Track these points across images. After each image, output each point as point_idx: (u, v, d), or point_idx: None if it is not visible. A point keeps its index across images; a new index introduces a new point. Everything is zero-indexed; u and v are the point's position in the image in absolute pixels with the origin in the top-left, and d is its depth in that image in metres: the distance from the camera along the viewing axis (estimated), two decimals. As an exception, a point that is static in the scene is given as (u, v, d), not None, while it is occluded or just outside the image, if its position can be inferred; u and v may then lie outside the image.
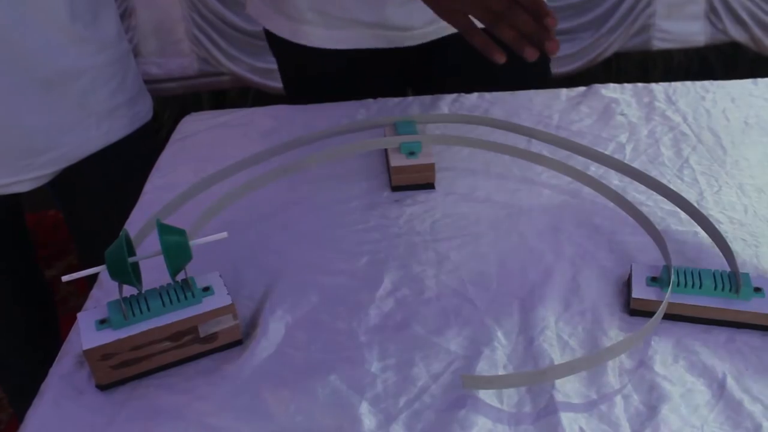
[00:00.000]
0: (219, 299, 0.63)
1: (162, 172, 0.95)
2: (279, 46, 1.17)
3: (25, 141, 1.04)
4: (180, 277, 0.63)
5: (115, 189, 1.15)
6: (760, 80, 1.07)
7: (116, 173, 1.14)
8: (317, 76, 1.16)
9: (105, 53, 1.08)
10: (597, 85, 1.07)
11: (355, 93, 1.07)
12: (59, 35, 1.00)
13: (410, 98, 1.05)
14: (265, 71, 2.76)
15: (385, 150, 0.89)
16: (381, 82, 1.13)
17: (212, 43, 2.73)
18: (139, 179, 1.19)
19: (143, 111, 1.18)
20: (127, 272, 0.58)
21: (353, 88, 1.09)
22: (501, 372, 0.60)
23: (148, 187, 0.92)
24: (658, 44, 2.75)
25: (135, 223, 0.84)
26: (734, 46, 2.81)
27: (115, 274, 0.59)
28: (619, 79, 1.79)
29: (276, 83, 2.75)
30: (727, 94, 1.03)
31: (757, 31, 2.74)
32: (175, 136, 1.04)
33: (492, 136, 0.92)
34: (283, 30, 1.14)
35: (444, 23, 0.89)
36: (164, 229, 0.59)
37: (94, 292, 0.73)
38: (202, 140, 1.01)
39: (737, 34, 2.75)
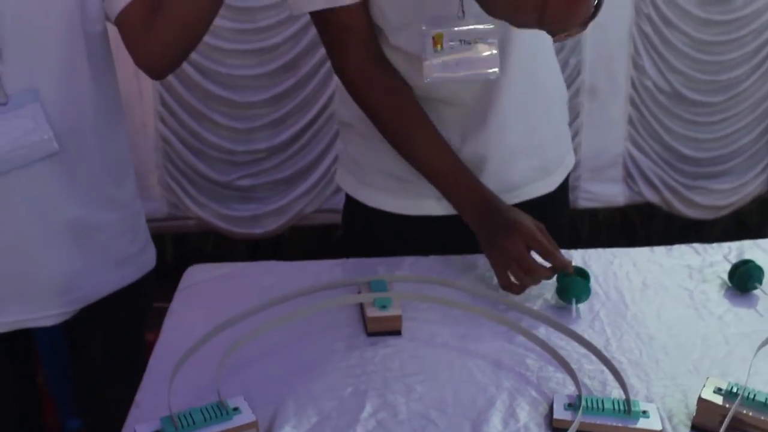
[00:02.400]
0: (245, 416, 0.84)
1: (174, 320, 1.15)
2: (355, 209, 1.39)
3: (54, 281, 1.23)
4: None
5: (125, 328, 1.34)
6: (656, 248, 1.34)
7: (126, 313, 1.34)
8: (382, 236, 1.37)
9: (125, 210, 1.31)
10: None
11: (405, 250, 1.29)
12: (93, 194, 1.23)
13: (379, 259, 1.29)
14: (228, 217, 3.00)
15: (361, 303, 1.12)
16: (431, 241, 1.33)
17: (182, 190, 2.97)
18: (144, 320, 1.39)
19: (150, 259, 1.39)
20: None
21: (408, 247, 1.30)
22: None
23: (165, 332, 1.12)
24: (583, 203, 3.11)
25: (157, 367, 1.03)
26: (650, 206, 3.18)
27: None
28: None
29: (237, 228, 2.98)
30: (630, 260, 1.30)
31: (667, 194, 3.13)
32: (182, 284, 1.25)
33: (446, 293, 1.16)
34: (367, 198, 1.36)
35: None
36: None
37: (134, 411, 0.93)
38: (207, 289, 1.22)
39: (651, 196, 3.14)
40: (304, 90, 2.86)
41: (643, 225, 3.26)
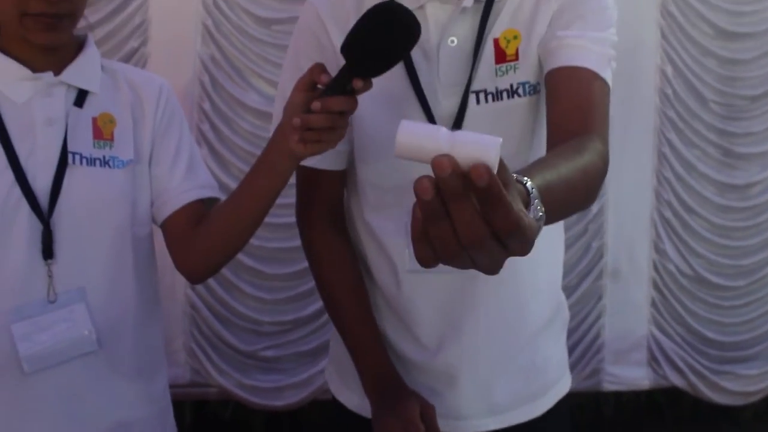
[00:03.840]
0: None
1: None
2: (342, 413, 1.33)
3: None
4: None
5: None
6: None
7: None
8: None
9: (156, 405, 1.32)
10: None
11: None
12: (126, 391, 1.25)
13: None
14: (250, 387, 2.99)
15: None
16: None
17: (207, 357, 2.99)
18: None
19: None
20: None
21: None
22: None
23: None
24: (607, 386, 3.07)
25: None
26: (677, 389, 3.14)
27: None
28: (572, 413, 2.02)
29: (258, 399, 2.97)
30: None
31: (694, 379, 3.09)
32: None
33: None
34: (350, 402, 1.31)
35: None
36: None
37: None
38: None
39: (677, 380, 3.10)
40: (331, 264, 2.93)
41: (670, 408, 3.21)
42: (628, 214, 2.97)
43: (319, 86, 1.00)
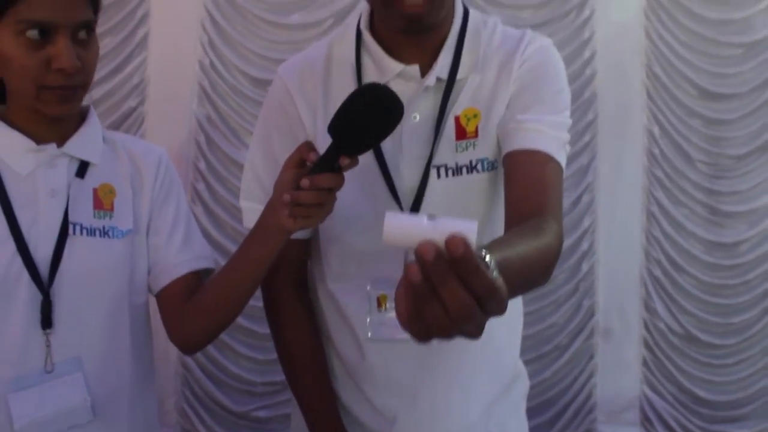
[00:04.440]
0: None
1: None
2: None
3: None
4: None
5: None
6: None
7: None
8: None
9: None
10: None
11: None
12: None
13: None
14: (242, 448, 2.97)
15: None
16: None
17: (198, 417, 2.96)
18: None
19: None
20: None
21: None
22: None
23: None
24: (600, 447, 3.06)
25: None
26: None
27: None
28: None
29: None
30: None
31: (685, 439, 3.09)
32: None
33: None
34: None
35: None
36: None
37: None
38: None
39: (670, 439, 3.09)
40: (323, 322, 2.94)
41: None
42: (619, 272, 3.00)
43: (307, 163, 1.03)
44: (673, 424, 3.08)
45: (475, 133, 1.17)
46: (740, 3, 3.08)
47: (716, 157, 3.12)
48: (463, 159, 1.17)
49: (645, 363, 3.09)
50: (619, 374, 3.05)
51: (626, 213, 3.04)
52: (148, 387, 1.32)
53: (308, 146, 1.04)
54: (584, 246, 2.99)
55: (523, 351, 3.06)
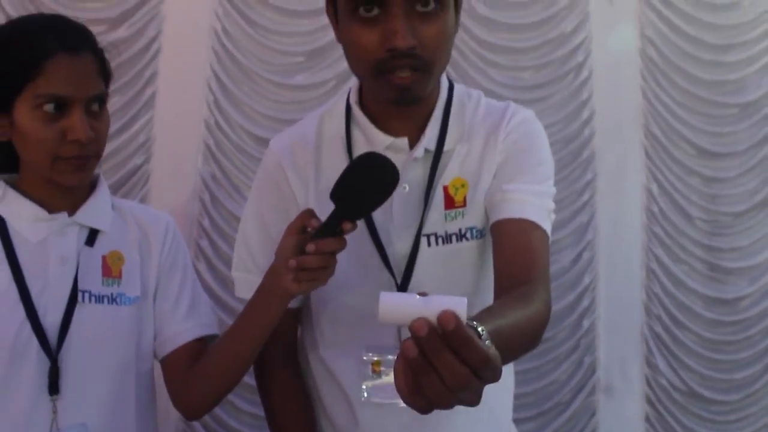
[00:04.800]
0: None
1: None
2: None
3: None
4: None
5: None
6: None
7: None
8: None
9: None
10: None
11: None
12: None
13: None
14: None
15: None
16: None
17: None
18: None
19: None
20: None
21: None
22: None
23: None
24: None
25: None
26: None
27: None
28: None
29: None
30: None
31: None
32: None
33: None
34: None
35: None
36: None
37: None
38: None
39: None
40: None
41: None
42: (619, 329, 3.00)
43: (308, 229, 1.08)
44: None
45: (464, 203, 1.22)
46: (734, 65, 3.14)
47: (715, 215, 3.15)
48: (453, 227, 1.21)
49: (647, 419, 3.07)
50: (621, 430, 3.04)
51: (626, 270, 3.06)
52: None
53: (310, 213, 1.09)
54: (585, 303, 3.01)
55: (524, 408, 3.06)
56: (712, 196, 3.17)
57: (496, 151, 1.21)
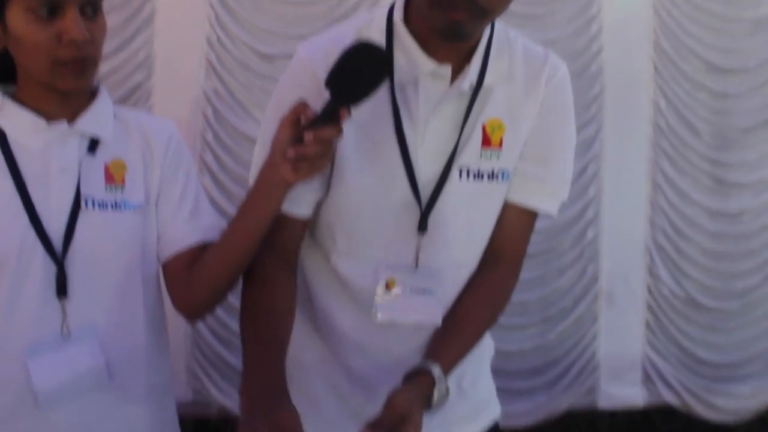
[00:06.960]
0: None
1: None
2: None
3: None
4: None
5: None
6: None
7: None
8: None
9: None
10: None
11: None
12: (137, 422, 1.29)
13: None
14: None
15: None
16: None
17: (208, 377, 3.05)
18: None
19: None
20: None
21: None
22: None
23: None
24: (603, 405, 3.14)
25: None
26: (671, 407, 3.20)
27: None
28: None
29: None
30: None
31: (687, 397, 3.16)
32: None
33: None
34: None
35: None
36: None
37: None
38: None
39: (671, 399, 3.17)
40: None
41: (664, 426, 3.27)
42: (623, 239, 3.05)
43: (302, 120, 1.09)
44: (675, 384, 3.16)
45: (500, 144, 1.21)
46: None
47: (722, 129, 3.14)
48: (487, 166, 1.21)
49: (648, 326, 3.15)
50: (622, 336, 3.12)
51: (632, 183, 3.08)
52: (162, 351, 1.36)
53: (304, 105, 1.10)
54: (589, 214, 3.04)
55: (529, 313, 3.13)
56: (720, 111, 3.15)
57: (537, 102, 1.22)
